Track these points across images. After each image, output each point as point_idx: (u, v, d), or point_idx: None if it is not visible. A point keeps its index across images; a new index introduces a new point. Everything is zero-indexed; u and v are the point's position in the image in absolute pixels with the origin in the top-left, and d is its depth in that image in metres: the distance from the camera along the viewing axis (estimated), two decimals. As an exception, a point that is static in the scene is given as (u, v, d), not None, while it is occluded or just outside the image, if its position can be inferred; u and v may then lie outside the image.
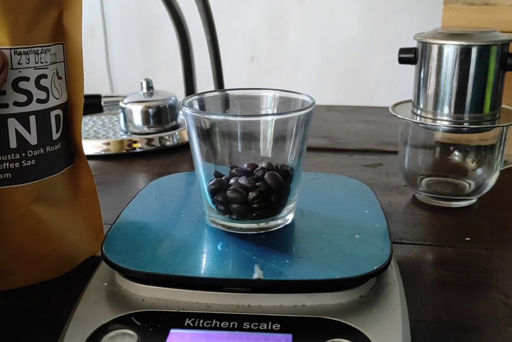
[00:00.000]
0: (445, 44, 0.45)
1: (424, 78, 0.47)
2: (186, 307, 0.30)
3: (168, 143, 0.68)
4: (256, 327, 0.28)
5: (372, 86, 0.92)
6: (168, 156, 0.66)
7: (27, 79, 0.33)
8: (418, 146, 0.51)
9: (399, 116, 0.48)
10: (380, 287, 0.32)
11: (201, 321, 0.29)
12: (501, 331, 0.32)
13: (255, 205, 0.34)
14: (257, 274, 0.30)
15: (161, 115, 0.70)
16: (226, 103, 0.38)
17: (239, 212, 0.34)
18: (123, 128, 0.71)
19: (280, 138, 0.34)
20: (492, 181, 0.50)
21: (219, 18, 0.71)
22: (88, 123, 0.77)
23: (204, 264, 0.32)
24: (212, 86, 0.71)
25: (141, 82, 0.71)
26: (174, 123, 0.71)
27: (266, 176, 0.34)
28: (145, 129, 0.70)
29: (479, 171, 0.50)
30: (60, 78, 0.36)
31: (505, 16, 0.57)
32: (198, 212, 0.37)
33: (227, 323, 0.28)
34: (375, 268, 0.30)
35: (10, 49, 0.32)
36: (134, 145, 0.67)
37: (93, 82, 1.08)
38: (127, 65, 1.02)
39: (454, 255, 0.41)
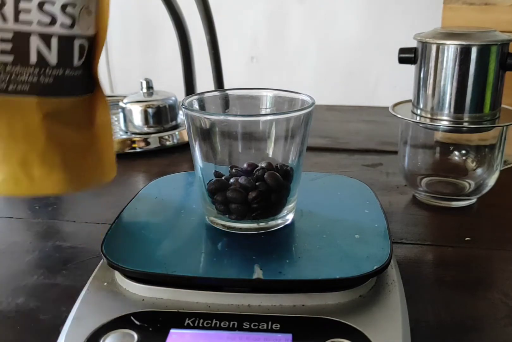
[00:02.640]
0: (445, 44, 0.45)
1: (424, 78, 0.47)
2: (186, 307, 0.30)
3: (168, 143, 0.68)
4: (256, 327, 0.28)
5: (372, 86, 0.92)
6: (168, 156, 0.66)
7: (51, 3, 0.36)
8: (418, 146, 0.51)
9: (399, 116, 0.48)
10: (380, 287, 0.32)
11: (201, 321, 0.29)
12: (501, 331, 0.32)
13: (255, 205, 0.34)
14: (257, 274, 0.30)
15: (161, 115, 0.70)
16: (226, 103, 0.38)
17: (239, 212, 0.34)
18: (123, 128, 0.71)
19: (280, 138, 0.34)
20: (492, 181, 0.50)
21: (219, 18, 0.71)
22: (88, 123, 0.77)
23: (204, 264, 0.32)
24: (212, 86, 0.71)
25: (141, 82, 0.71)
26: (174, 123, 0.71)
27: (266, 175, 0.34)
28: (145, 129, 0.70)
29: (479, 171, 0.50)
30: (89, 12, 0.39)
31: (505, 16, 0.57)
32: (198, 212, 0.37)
33: (227, 323, 0.28)
34: (375, 268, 0.30)
35: None
36: (134, 145, 0.67)
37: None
38: (127, 65, 1.02)
39: (454, 255, 0.41)
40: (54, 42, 0.37)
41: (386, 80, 0.91)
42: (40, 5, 0.36)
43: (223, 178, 0.35)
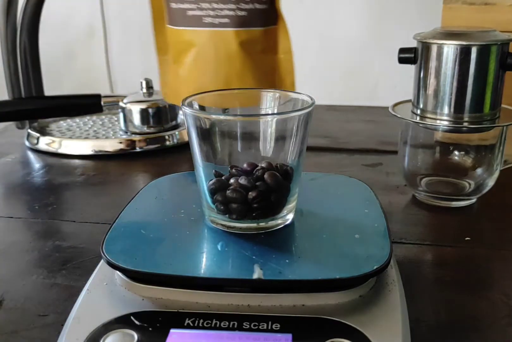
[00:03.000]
0: (445, 44, 0.45)
1: (424, 78, 0.47)
2: (186, 307, 0.30)
3: (168, 143, 0.68)
4: (256, 327, 0.28)
5: (372, 86, 0.92)
6: (168, 156, 0.66)
7: None
8: (418, 146, 0.51)
9: (399, 116, 0.48)
10: (380, 287, 0.32)
11: (201, 321, 0.29)
12: (501, 331, 0.32)
13: (255, 205, 0.34)
14: (257, 273, 0.30)
15: (161, 115, 0.70)
16: (226, 103, 0.38)
17: (239, 212, 0.34)
18: (123, 128, 0.71)
19: (280, 138, 0.34)
20: (492, 181, 0.50)
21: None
22: (88, 123, 0.77)
23: (204, 264, 0.32)
24: (212, 86, 0.71)
25: (141, 82, 0.71)
26: (174, 123, 0.71)
27: (266, 175, 0.34)
28: (145, 129, 0.70)
29: (479, 171, 0.50)
30: None
31: (505, 16, 0.57)
32: (198, 212, 0.37)
33: (227, 323, 0.28)
34: (375, 267, 0.30)
35: None
36: (134, 145, 0.67)
37: (93, 82, 1.08)
38: (127, 65, 1.02)
39: (454, 255, 0.41)
40: None
41: (386, 80, 0.91)
42: None
43: (223, 177, 0.35)
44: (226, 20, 0.48)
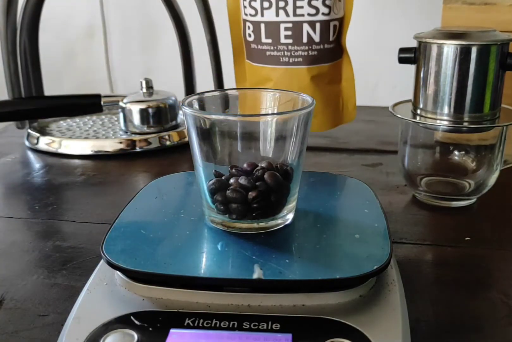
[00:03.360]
0: (445, 44, 0.45)
1: (424, 78, 0.47)
2: (186, 307, 0.30)
3: (168, 143, 0.68)
4: (256, 327, 0.28)
5: (372, 86, 0.92)
6: (168, 156, 0.66)
7: None
8: (418, 146, 0.51)
9: (399, 116, 0.48)
10: (380, 286, 0.32)
11: (201, 320, 0.29)
12: (501, 331, 0.32)
13: (255, 205, 0.34)
14: (257, 273, 0.30)
15: (161, 115, 0.70)
16: (226, 103, 0.38)
17: (239, 212, 0.34)
18: (123, 128, 0.71)
19: (280, 138, 0.34)
20: (492, 181, 0.50)
21: (219, 18, 0.71)
22: (88, 123, 0.77)
23: (204, 264, 0.32)
24: (212, 86, 0.71)
25: (141, 82, 0.71)
26: (174, 123, 0.71)
27: (266, 175, 0.34)
28: (145, 129, 0.70)
29: (479, 171, 0.50)
30: (339, 0, 0.54)
31: (505, 16, 0.57)
32: (198, 212, 0.37)
33: (227, 323, 0.28)
34: (375, 267, 0.30)
35: None
36: (134, 145, 0.67)
37: (93, 82, 1.08)
38: (127, 65, 1.02)
39: (454, 255, 0.41)
40: (317, 26, 0.54)
41: (386, 80, 0.91)
42: (309, 2, 0.53)
43: (223, 177, 0.35)
44: (299, 59, 0.55)
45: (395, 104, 0.51)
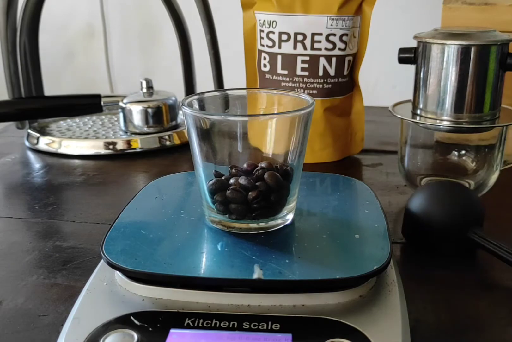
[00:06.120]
0: (445, 44, 0.45)
1: (424, 78, 0.47)
2: (186, 307, 0.30)
3: (168, 143, 0.68)
4: (256, 327, 0.28)
5: (372, 86, 0.92)
6: (168, 156, 0.66)
7: (334, 35, 0.55)
8: (418, 146, 0.51)
9: (399, 116, 0.48)
10: (379, 287, 0.32)
11: (201, 321, 0.29)
12: (501, 331, 0.32)
13: (254, 205, 0.34)
14: (257, 274, 0.30)
15: (161, 115, 0.70)
16: (226, 103, 0.38)
17: (238, 212, 0.34)
18: (123, 128, 0.71)
19: (280, 138, 0.34)
20: (492, 181, 0.50)
21: (219, 18, 0.71)
22: (88, 123, 0.77)
23: (204, 264, 0.32)
24: (212, 86, 0.71)
25: (141, 82, 0.71)
26: (174, 123, 0.71)
27: (266, 175, 0.34)
28: (145, 129, 0.70)
29: (479, 171, 0.50)
30: (354, 37, 0.57)
31: (505, 16, 0.57)
32: (198, 212, 0.37)
33: (227, 323, 0.28)
34: (374, 268, 0.30)
35: (327, 16, 0.55)
36: (134, 145, 0.67)
37: (93, 82, 1.08)
38: (127, 65, 1.02)
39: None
40: (333, 60, 0.56)
41: (386, 80, 0.91)
42: (327, 37, 0.55)
43: (223, 177, 0.35)
44: (314, 91, 0.57)
45: (395, 104, 0.51)
